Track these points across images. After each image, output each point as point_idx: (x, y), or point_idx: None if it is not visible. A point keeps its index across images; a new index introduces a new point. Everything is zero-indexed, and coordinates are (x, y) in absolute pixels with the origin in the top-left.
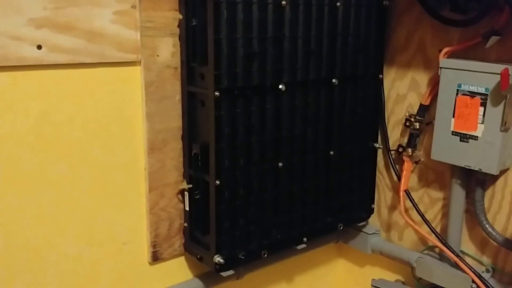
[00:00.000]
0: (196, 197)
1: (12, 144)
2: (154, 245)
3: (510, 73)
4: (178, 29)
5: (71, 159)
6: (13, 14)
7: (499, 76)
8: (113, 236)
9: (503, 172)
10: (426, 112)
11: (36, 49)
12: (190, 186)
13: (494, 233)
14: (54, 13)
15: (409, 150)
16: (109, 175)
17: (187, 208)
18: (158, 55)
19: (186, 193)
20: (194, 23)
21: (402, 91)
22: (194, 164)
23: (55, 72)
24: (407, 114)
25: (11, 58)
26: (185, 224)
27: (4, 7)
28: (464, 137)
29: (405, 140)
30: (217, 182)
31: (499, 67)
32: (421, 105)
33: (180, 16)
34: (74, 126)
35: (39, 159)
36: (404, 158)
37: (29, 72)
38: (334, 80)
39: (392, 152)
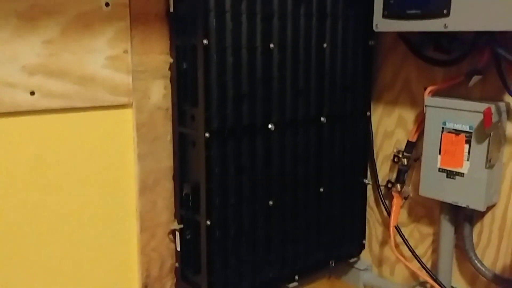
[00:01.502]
0: (188, 237)
1: (7, 188)
2: (145, 285)
3: (492, 111)
4: (169, 72)
5: (64, 201)
6: (7, 62)
7: (482, 114)
8: (104, 276)
9: (490, 207)
10: (413, 148)
11: (29, 95)
12: (181, 226)
13: (483, 269)
14: (47, 59)
15: (398, 185)
16: (101, 216)
17: (178, 248)
18: (149, 97)
19: (177, 233)
20: (185, 67)
21: (389, 127)
22: (185, 204)
23: (48, 116)
24: (395, 150)
25: (5, 105)
26: (177, 264)
27: None
28: (450, 174)
29: (394, 175)
30: (208, 222)
31: (482, 106)
32: (408, 141)
33: (171, 60)
34: (67, 168)
35: (32, 202)
36: (394, 193)
37: (23, 118)
38: (322, 119)
39: (382, 188)
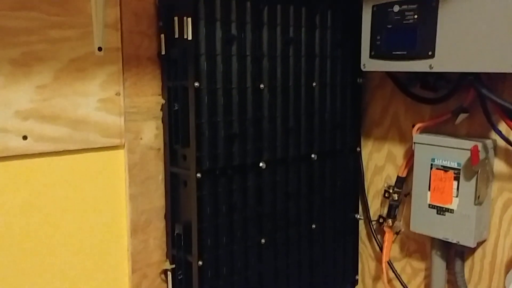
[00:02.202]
0: (179, 277)
1: None
2: None
3: (479, 149)
4: (161, 113)
5: (55, 243)
6: (0, 108)
7: (469, 152)
8: None
9: (480, 243)
10: (403, 183)
11: (22, 140)
12: (173, 266)
13: None
14: (40, 104)
15: (390, 220)
16: (93, 257)
17: None
18: (141, 138)
19: (169, 273)
20: (176, 108)
21: (379, 162)
22: (177, 244)
23: (40, 160)
24: (385, 185)
25: None
26: None
27: None
28: (440, 210)
29: (385, 210)
30: (200, 262)
31: (469, 143)
32: (398, 177)
33: (163, 101)
34: (58, 211)
35: (24, 245)
36: (385, 228)
37: (15, 162)
38: (313, 156)
39: (374, 223)
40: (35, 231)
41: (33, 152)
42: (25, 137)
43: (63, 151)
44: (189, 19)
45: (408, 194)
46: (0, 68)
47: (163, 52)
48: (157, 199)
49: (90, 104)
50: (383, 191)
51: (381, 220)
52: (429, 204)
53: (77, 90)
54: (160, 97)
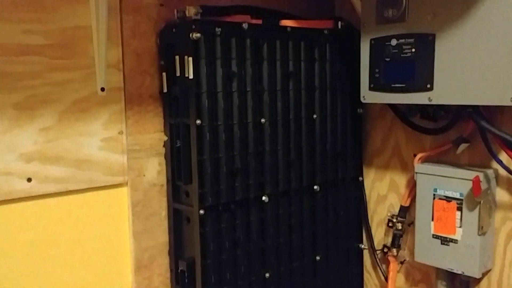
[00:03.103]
0: None
1: (3, 272)
2: None
3: (481, 179)
4: (163, 149)
5: (60, 283)
6: (5, 151)
7: (471, 182)
8: None
9: (485, 273)
10: (406, 212)
11: (26, 182)
12: None
13: None
14: (44, 146)
15: (394, 250)
16: None
17: None
18: (144, 175)
19: None
20: (179, 144)
21: (382, 191)
22: (181, 280)
23: (44, 201)
24: (389, 214)
25: (2, 193)
26: None
27: None
28: (444, 240)
29: (389, 239)
30: None
31: (471, 174)
32: (401, 206)
33: (166, 138)
34: (63, 249)
35: (29, 286)
36: (390, 258)
37: (18, 204)
38: (315, 187)
39: (378, 252)
40: (40, 271)
41: (38, 194)
42: (29, 179)
43: (66, 191)
44: (190, 58)
45: (412, 223)
46: (4, 112)
47: (165, 90)
48: (161, 235)
49: (93, 143)
50: (386, 220)
51: (385, 250)
52: (433, 234)
53: (80, 130)
54: (163, 133)
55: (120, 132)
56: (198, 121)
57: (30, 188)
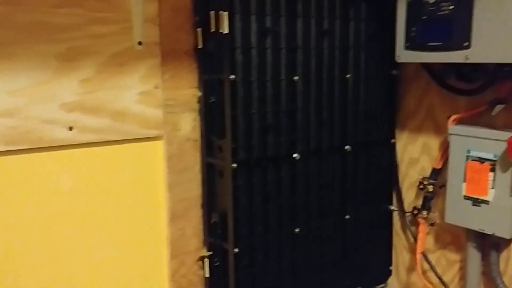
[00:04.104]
0: (216, 264)
1: (45, 217)
2: None
3: None
4: (198, 105)
5: (98, 229)
6: (47, 100)
7: (506, 143)
8: None
9: None
10: (438, 175)
11: (68, 130)
12: (210, 253)
13: None
14: (84, 97)
15: (424, 212)
16: (133, 244)
17: (207, 275)
18: (179, 130)
19: (206, 260)
20: (213, 100)
21: (414, 154)
22: (214, 232)
23: (84, 150)
24: (420, 177)
25: (46, 140)
26: None
27: (40, 95)
28: (476, 202)
29: (420, 202)
30: (236, 250)
31: (505, 135)
32: (433, 168)
33: (200, 93)
34: (101, 198)
35: (68, 233)
36: (420, 220)
37: (61, 152)
38: (347, 147)
39: (408, 214)
40: (79, 218)
41: (78, 142)
42: (70, 128)
43: (105, 141)
44: (225, 13)
45: (443, 186)
46: (47, 62)
47: (199, 46)
48: (194, 188)
49: (130, 97)
50: (417, 183)
51: (415, 212)
52: (464, 196)
53: (118, 83)
54: (197, 89)
55: (156, 87)
56: (232, 76)
57: (71, 137)
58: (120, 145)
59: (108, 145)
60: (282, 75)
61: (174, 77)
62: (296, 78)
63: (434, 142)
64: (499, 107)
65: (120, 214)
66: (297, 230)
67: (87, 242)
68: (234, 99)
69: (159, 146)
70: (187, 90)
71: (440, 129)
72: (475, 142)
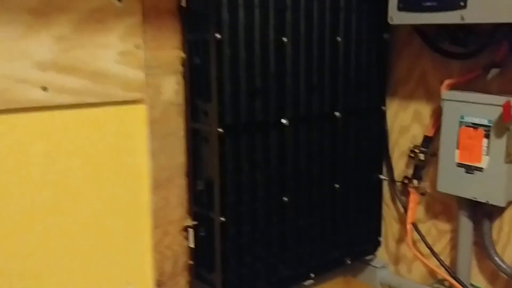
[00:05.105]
0: (201, 234)
1: (18, 183)
2: (158, 284)
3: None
4: (181, 67)
5: (75, 198)
6: (20, 58)
7: (501, 108)
8: (117, 275)
9: (510, 203)
10: (430, 143)
11: (42, 91)
12: (195, 223)
13: (504, 266)
14: (59, 55)
15: (415, 181)
16: (113, 213)
17: (192, 246)
18: (162, 93)
19: (190, 230)
20: (197, 62)
21: (405, 122)
22: (199, 200)
23: (60, 112)
24: (411, 146)
25: (18, 101)
26: (191, 262)
27: (11, 51)
28: (469, 169)
29: (411, 171)
30: (222, 219)
31: (501, 99)
32: (425, 136)
33: (183, 55)
34: (78, 164)
35: (43, 199)
36: (410, 190)
37: (34, 114)
38: (337, 114)
39: (398, 184)
40: (53, 187)
41: (53, 104)
42: (44, 88)
43: (83, 104)
44: None
45: (435, 154)
46: (19, 17)
47: (183, 4)
48: (179, 155)
49: (109, 56)
50: (408, 152)
51: (406, 181)
52: (457, 163)
53: (96, 41)
54: (181, 51)
55: (137, 46)
56: (218, 36)
57: (45, 98)
58: (99, 108)
59: (86, 107)
60: (270, 35)
61: (156, 37)
62: (285, 39)
63: (426, 109)
64: (494, 71)
65: (98, 183)
66: (285, 199)
67: (63, 213)
68: (220, 60)
69: (141, 110)
70: (170, 51)
71: (432, 96)
72: (469, 107)
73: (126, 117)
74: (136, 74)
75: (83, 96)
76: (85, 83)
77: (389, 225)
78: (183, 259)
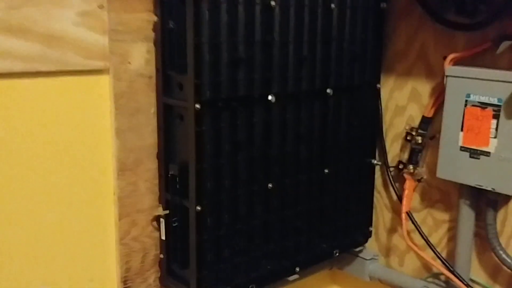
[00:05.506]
0: (174, 224)
1: None
2: (125, 280)
3: None
4: (153, 33)
5: (28, 183)
6: None
7: None
8: (78, 271)
9: None
10: (429, 125)
11: None
12: (167, 212)
13: (508, 260)
14: (6, 13)
15: (411, 167)
16: (73, 201)
17: (163, 237)
18: (129, 62)
19: (162, 220)
20: (172, 26)
21: (401, 102)
22: (172, 187)
23: (7, 82)
24: (407, 127)
25: None
26: (161, 256)
27: None
28: (474, 153)
29: (406, 155)
30: (198, 208)
31: None
32: (423, 117)
33: (156, 18)
34: (31, 144)
35: None
36: (405, 175)
37: None
38: (328, 90)
39: (391, 169)
40: (2, 171)
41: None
42: None
43: (35, 72)
44: None
45: (434, 137)
46: None
47: None
48: (149, 135)
49: (67, 17)
50: (404, 134)
51: (400, 166)
52: (461, 147)
53: None
54: (152, 13)
55: (101, 6)
56: None
57: None
58: (54, 78)
59: (39, 76)
60: None
61: None
62: (273, 3)
63: (425, 87)
64: (506, 44)
65: (54, 166)
66: (270, 185)
67: (15, 201)
68: (198, 24)
69: (104, 82)
70: (140, 13)
71: (433, 72)
72: (477, 84)
73: (86, 89)
74: (99, 39)
75: (35, 63)
76: (37, 48)
77: (381, 214)
78: (153, 253)
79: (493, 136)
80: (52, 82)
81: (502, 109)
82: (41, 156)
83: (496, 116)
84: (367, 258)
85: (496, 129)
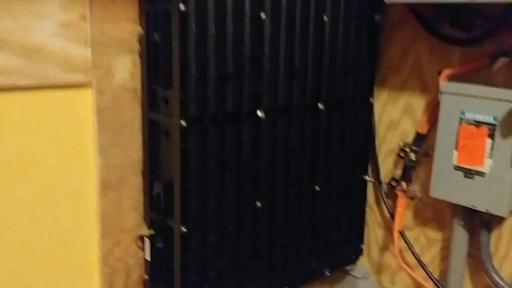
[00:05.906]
0: (159, 245)
1: None
2: None
3: None
4: (138, 45)
5: (8, 202)
6: None
7: (509, 103)
8: None
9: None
10: (423, 141)
11: None
12: (152, 232)
13: (501, 282)
14: None
15: (404, 184)
16: (54, 219)
17: (148, 258)
18: (113, 76)
19: (146, 239)
20: (157, 39)
21: (395, 116)
22: (156, 206)
23: None
24: (400, 143)
25: None
26: (146, 277)
27: None
28: (468, 173)
29: (399, 172)
30: (183, 228)
31: (509, 93)
32: (417, 133)
33: (141, 30)
34: (8, 162)
35: None
36: (398, 193)
37: None
38: (320, 105)
39: (384, 186)
40: None
41: None
42: None
43: (12, 87)
44: None
45: (428, 154)
46: None
47: None
48: (133, 151)
49: (47, 28)
50: (397, 150)
51: (393, 183)
52: (455, 166)
53: (31, 8)
54: (137, 25)
55: (83, 17)
56: (182, 6)
57: None
58: (34, 92)
59: (17, 91)
60: (246, 9)
61: (106, 6)
62: (263, 15)
63: (419, 102)
64: (502, 61)
65: (34, 185)
66: (258, 204)
67: None
68: (185, 36)
69: (87, 96)
70: (125, 24)
71: (427, 87)
72: (472, 101)
73: (68, 104)
74: (81, 52)
75: (13, 76)
76: (15, 60)
77: (373, 231)
78: (138, 273)
79: (488, 156)
80: (32, 96)
81: (497, 128)
82: (20, 174)
83: (491, 135)
84: (358, 276)
85: (492, 148)
